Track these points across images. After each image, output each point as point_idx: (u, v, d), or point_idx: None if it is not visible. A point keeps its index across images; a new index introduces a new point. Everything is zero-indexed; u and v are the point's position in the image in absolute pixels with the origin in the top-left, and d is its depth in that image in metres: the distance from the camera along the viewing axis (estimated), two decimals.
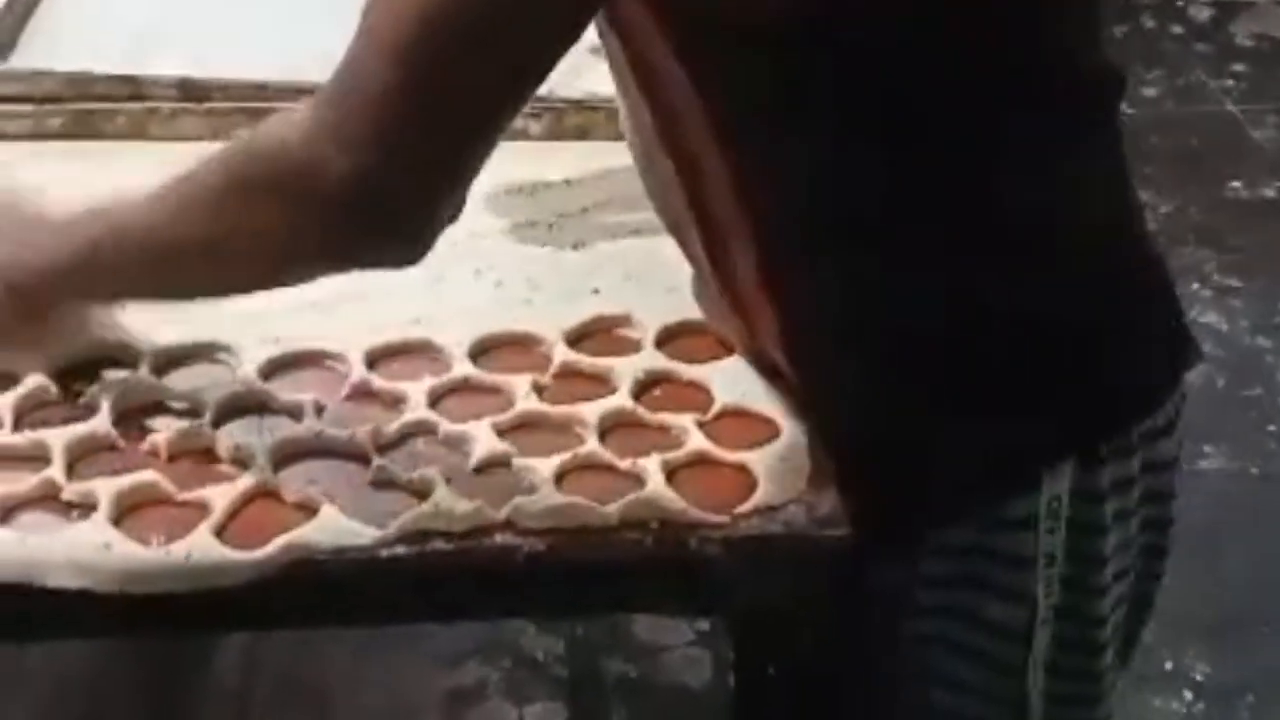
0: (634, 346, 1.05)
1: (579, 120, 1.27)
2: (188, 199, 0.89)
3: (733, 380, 1.01)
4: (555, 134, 1.27)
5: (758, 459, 0.95)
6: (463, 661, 2.06)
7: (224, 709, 1.95)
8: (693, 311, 1.06)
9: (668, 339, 1.05)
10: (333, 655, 2.00)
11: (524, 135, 1.26)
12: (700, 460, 0.96)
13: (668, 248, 1.05)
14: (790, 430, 0.97)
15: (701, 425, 0.98)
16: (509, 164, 1.21)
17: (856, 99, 0.88)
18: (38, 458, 0.93)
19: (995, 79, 0.89)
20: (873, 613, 0.95)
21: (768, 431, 0.98)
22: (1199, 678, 2.01)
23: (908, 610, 0.96)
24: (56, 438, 0.94)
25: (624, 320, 1.06)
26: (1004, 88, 0.89)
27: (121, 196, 0.93)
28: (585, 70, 1.31)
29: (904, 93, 0.87)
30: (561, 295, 1.09)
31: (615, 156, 1.24)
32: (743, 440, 0.97)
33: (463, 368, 1.02)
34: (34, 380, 0.98)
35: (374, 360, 1.02)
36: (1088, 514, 0.94)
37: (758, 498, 0.93)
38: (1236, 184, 3.05)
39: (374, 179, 0.82)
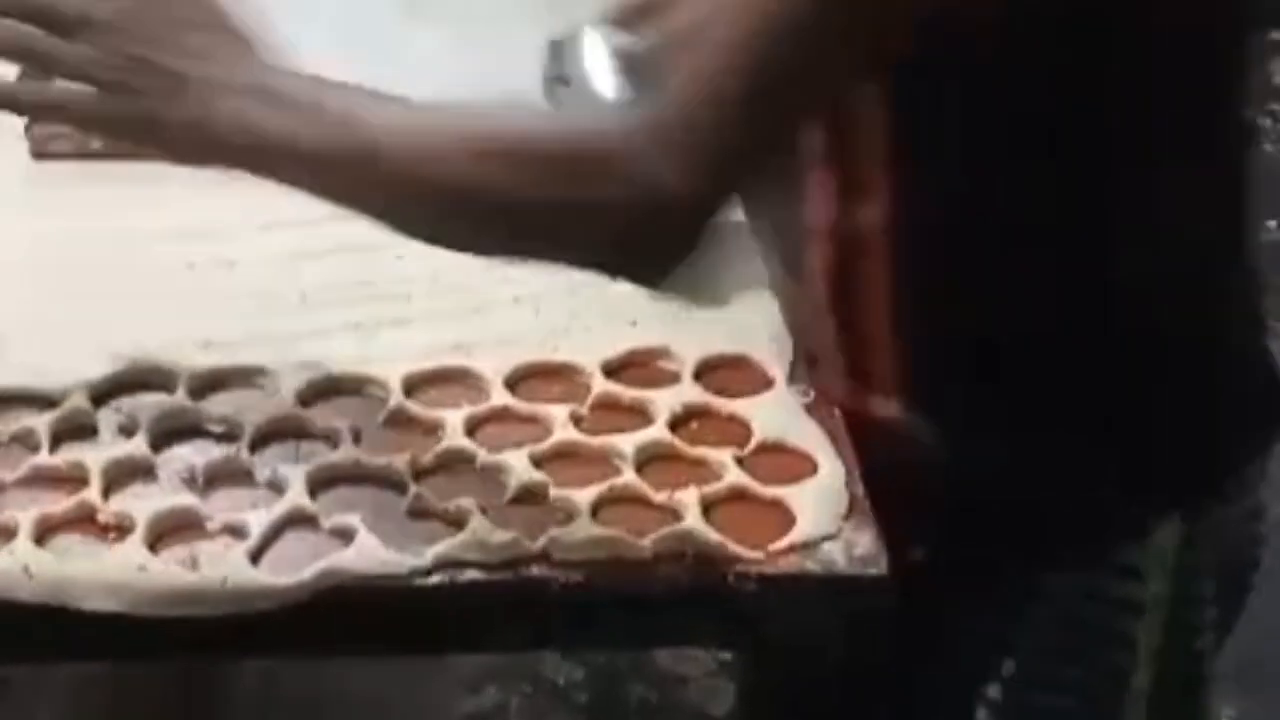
0: (672, 379, 1.04)
1: None
2: (494, 152, 0.86)
3: (772, 415, 1.01)
4: None
5: (796, 495, 0.95)
6: (483, 685, 2.05)
7: None
8: (731, 345, 1.06)
9: (706, 371, 1.05)
10: (354, 674, 1.99)
11: None
12: (738, 495, 0.95)
13: None
14: (829, 466, 0.97)
15: (739, 460, 0.98)
16: None
17: (975, 137, 0.89)
18: (75, 479, 0.93)
19: (1122, 130, 0.89)
20: (966, 657, 0.97)
21: (806, 467, 0.97)
22: None
23: (1006, 651, 0.97)
24: (94, 459, 0.94)
25: (662, 352, 1.06)
26: (1127, 140, 0.90)
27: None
28: None
29: (1021, 135, 0.88)
30: (600, 325, 1.09)
31: None
32: (781, 475, 0.97)
33: (500, 396, 1.02)
34: (73, 401, 0.98)
35: (412, 387, 1.02)
36: (1190, 559, 0.96)
37: (795, 534, 0.92)
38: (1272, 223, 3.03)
39: (690, 190, 0.83)
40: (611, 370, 1.04)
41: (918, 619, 0.94)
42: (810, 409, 1.02)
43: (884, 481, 0.96)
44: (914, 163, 0.91)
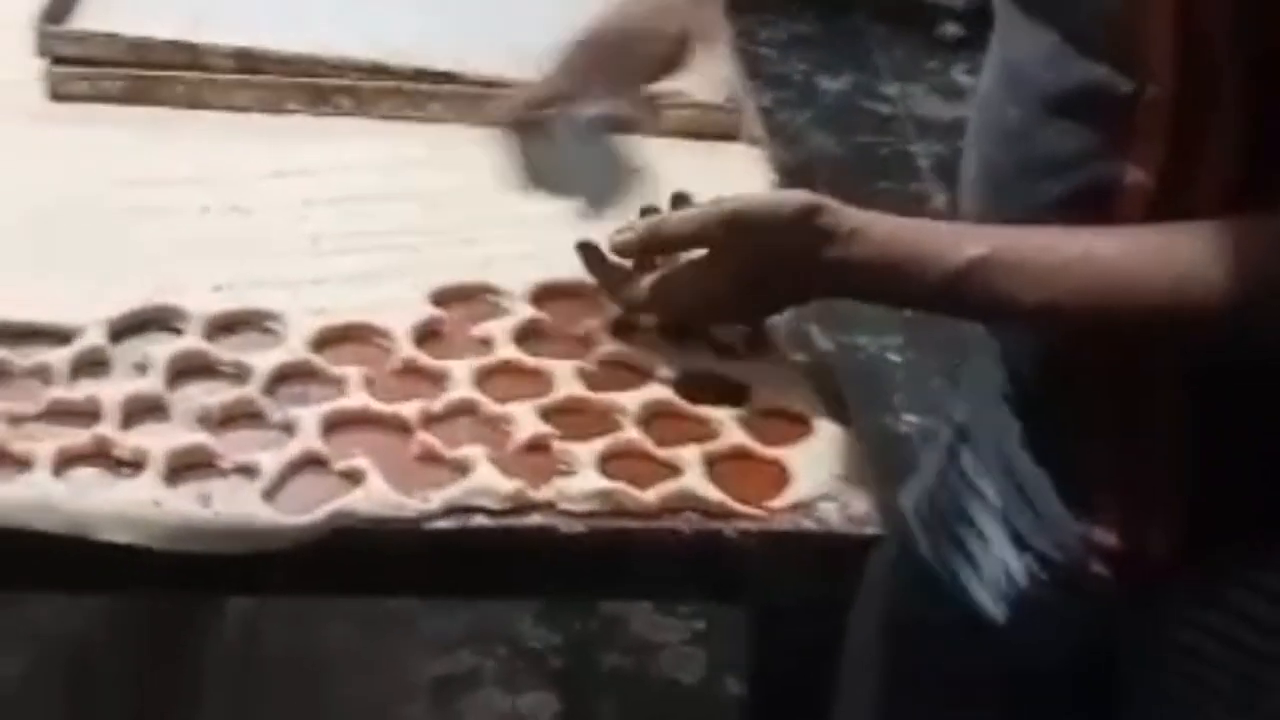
0: (675, 341, 1.06)
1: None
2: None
3: (770, 378, 1.03)
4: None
5: (793, 455, 0.97)
6: (457, 648, 2.07)
7: (221, 679, 1.96)
8: None
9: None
10: (331, 633, 2.01)
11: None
12: (737, 454, 0.98)
13: None
14: (824, 430, 0.99)
15: (739, 420, 1.00)
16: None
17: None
18: (90, 414, 0.95)
19: None
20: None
21: (802, 430, 1.00)
22: None
23: None
24: (110, 395, 0.95)
25: None
26: None
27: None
28: None
29: None
30: None
31: (656, 151, 1.26)
32: (778, 437, 0.99)
33: (507, 350, 1.04)
34: (88, 338, 1.00)
35: (420, 338, 1.04)
36: None
37: (791, 494, 0.95)
38: None
39: None
40: (616, 331, 1.06)
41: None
42: (808, 373, 1.04)
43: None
44: None
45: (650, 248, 0.99)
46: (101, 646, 1.93)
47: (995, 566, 1.10)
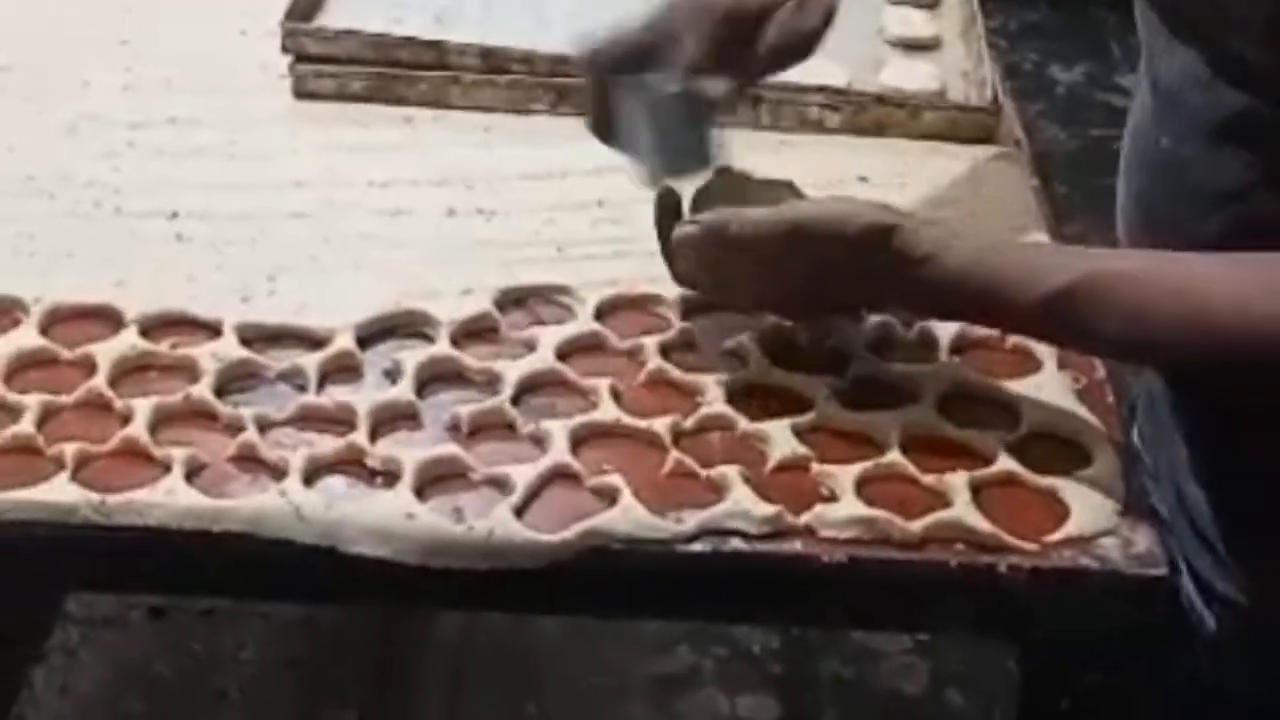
0: (932, 357, 1.01)
1: (877, 115, 1.23)
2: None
3: (1041, 399, 0.97)
4: (853, 128, 1.23)
5: (1068, 486, 0.91)
6: (675, 647, 2.04)
7: (439, 673, 1.96)
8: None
9: (967, 349, 1.02)
10: (548, 630, 2.00)
11: (820, 128, 1.23)
12: (1007, 482, 0.92)
13: None
14: (1103, 459, 0.93)
15: (1008, 445, 0.94)
16: (807, 156, 1.20)
17: None
18: (342, 420, 0.93)
19: None
20: None
21: (1077, 458, 0.94)
22: None
23: None
24: (361, 402, 0.94)
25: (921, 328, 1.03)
26: None
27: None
28: (885, 64, 1.28)
29: None
30: None
31: (911, 154, 1.21)
32: (1052, 465, 0.93)
33: (759, 364, 0.99)
34: (339, 343, 0.98)
35: (669, 349, 1.00)
36: None
37: (1069, 527, 0.89)
38: None
39: None
40: (871, 347, 1.01)
41: None
42: (1082, 395, 0.98)
43: None
44: None
45: (711, 245, 0.95)
46: (328, 637, 1.95)
47: (1186, 606, 1.03)
